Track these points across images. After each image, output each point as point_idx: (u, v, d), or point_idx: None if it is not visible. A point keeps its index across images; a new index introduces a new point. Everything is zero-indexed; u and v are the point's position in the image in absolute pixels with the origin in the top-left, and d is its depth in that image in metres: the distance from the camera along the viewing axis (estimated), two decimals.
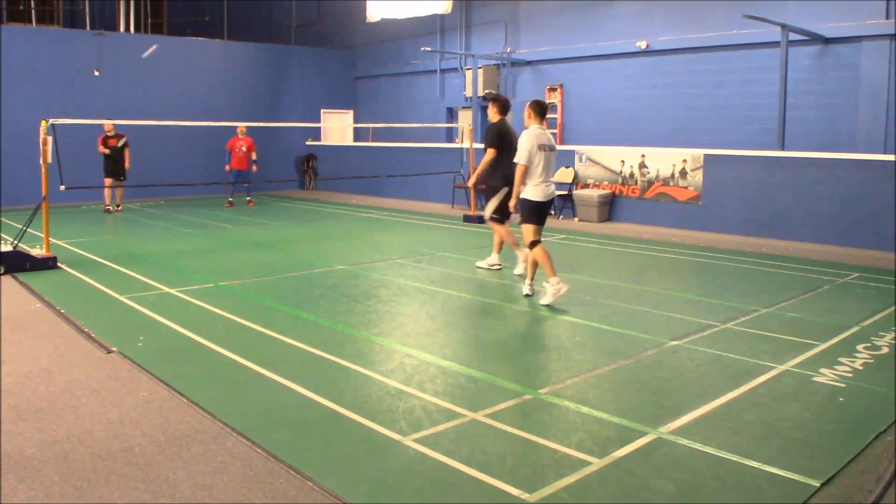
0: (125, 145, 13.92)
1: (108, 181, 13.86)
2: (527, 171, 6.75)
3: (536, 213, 6.90)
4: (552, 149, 6.91)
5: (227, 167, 14.97)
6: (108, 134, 13.82)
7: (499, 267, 8.39)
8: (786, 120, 11.67)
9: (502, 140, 8.02)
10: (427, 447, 3.63)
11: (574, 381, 4.67)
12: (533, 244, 6.83)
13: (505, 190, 7.99)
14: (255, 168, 15.15)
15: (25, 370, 4.82)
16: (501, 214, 8.12)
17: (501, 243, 8.38)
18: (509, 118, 8.57)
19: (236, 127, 14.87)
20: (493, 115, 8.31)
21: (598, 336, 5.93)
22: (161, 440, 3.73)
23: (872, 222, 10.01)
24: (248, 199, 15.55)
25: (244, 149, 14.88)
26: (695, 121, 13.73)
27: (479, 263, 8.56)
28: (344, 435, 3.81)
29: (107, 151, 13.76)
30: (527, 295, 7.00)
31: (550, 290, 6.69)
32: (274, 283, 7.79)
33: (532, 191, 6.84)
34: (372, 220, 13.40)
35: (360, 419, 3.99)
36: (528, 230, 6.87)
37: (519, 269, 8.07)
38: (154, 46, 14.05)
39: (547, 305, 6.66)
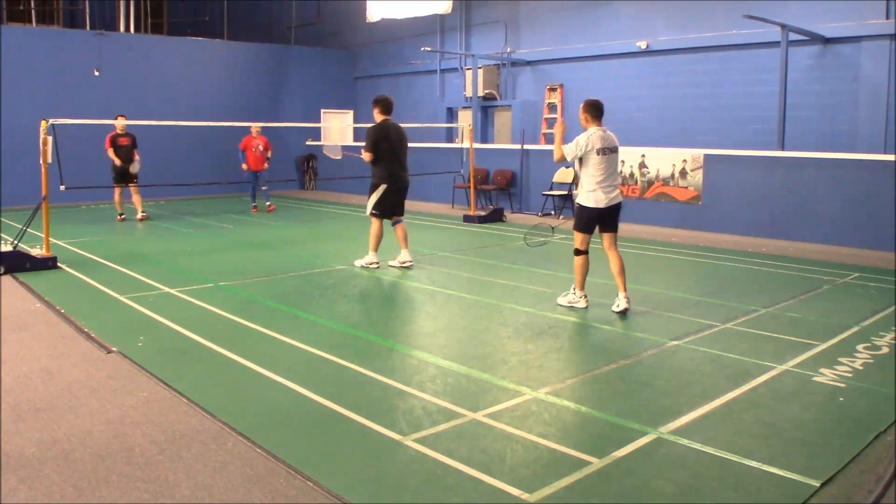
0: (134, 145, 12.88)
1: (118, 186, 12.84)
2: (563, 159, 6.39)
3: (588, 221, 6.39)
4: (613, 150, 6.38)
5: (245, 166, 14.25)
6: (119, 132, 12.78)
7: (377, 265, 8.36)
8: (786, 120, 11.67)
9: (379, 142, 8.13)
10: (427, 447, 3.63)
11: (574, 381, 4.67)
12: (577, 252, 6.47)
13: (384, 187, 8.17)
14: (266, 165, 14.48)
15: (25, 370, 4.82)
16: (381, 211, 8.26)
17: (379, 240, 8.38)
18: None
19: (250, 126, 14.29)
20: (376, 115, 8.35)
21: (598, 336, 5.93)
22: (161, 440, 3.73)
23: (872, 222, 10.01)
24: (268, 203, 14.58)
25: (261, 148, 14.27)
26: (695, 121, 13.73)
27: (357, 262, 8.53)
28: (344, 435, 3.81)
29: (117, 162, 12.62)
30: (624, 309, 6.33)
31: (572, 297, 6.62)
32: (274, 283, 7.79)
33: (587, 196, 6.34)
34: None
35: (360, 419, 3.99)
36: (576, 237, 6.47)
37: (396, 262, 8.38)
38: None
39: (561, 305, 6.65)
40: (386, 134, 8.22)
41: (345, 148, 8.75)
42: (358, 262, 8.51)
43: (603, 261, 6.64)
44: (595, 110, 6.42)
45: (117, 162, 12.67)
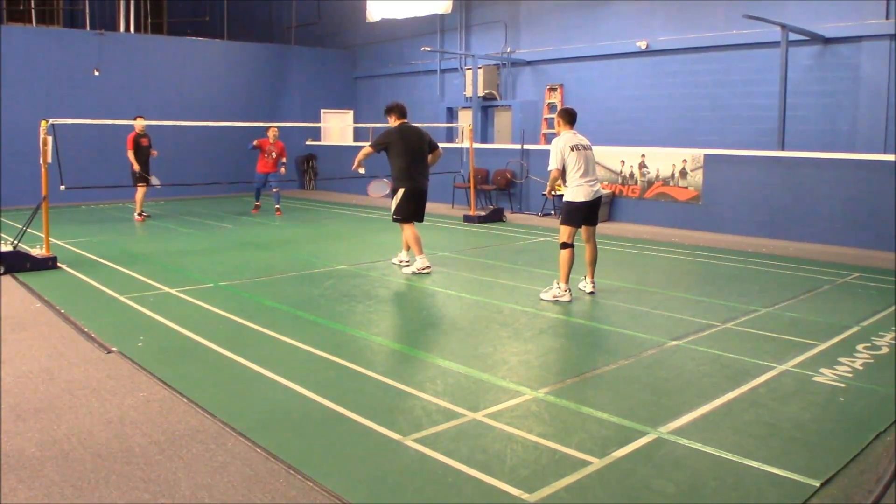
0: (150, 145, 12.90)
1: (141, 187, 12.75)
2: (560, 175, 6.83)
3: (576, 214, 6.87)
4: (587, 147, 6.90)
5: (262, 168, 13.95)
6: (139, 133, 12.66)
7: (428, 270, 8.11)
8: (786, 120, 11.67)
9: (392, 143, 7.99)
10: (427, 447, 3.63)
11: (574, 381, 4.67)
12: (563, 245, 6.83)
13: (402, 191, 8.03)
14: (283, 170, 14.20)
15: (25, 370, 4.82)
16: (401, 215, 8.09)
17: (418, 242, 8.16)
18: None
19: (267, 130, 13.98)
20: (392, 123, 8.25)
21: (598, 336, 5.94)
22: (161, 440, 3.73)
23: (872, 222, 10.01)
24: (276, 207, 14.19)
25: (274, 155, 13.94)
26: (695, 121, 13.74)
27: (405, 270, 8.23)
28: (344, 435, 3.81)
29: (136, 167, 12.54)
30: (591, 292, 7.10)
31: (555, 291, 6.81)
32: (274, 283, 7.79)
33: (573, 192, 6.84)
34: (372, 220, 13.40)
35: (360, 419, 3.99)
36: (563, 231, 6.89)
37: (395, 260, 8.33)
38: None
39: (544, 300, 6.77)
40: (401, 136, 8.03)
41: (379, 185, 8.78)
42: (408, 269, 8.17)
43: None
44: (568, 116, 7.02)
45: (136, 167, 12.58)
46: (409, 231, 8.16)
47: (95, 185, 13.29)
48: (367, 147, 8.23)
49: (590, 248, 7.13)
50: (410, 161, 8.04)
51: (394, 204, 8.12)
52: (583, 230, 7.04)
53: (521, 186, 14.75)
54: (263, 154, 14.00)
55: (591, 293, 7.08)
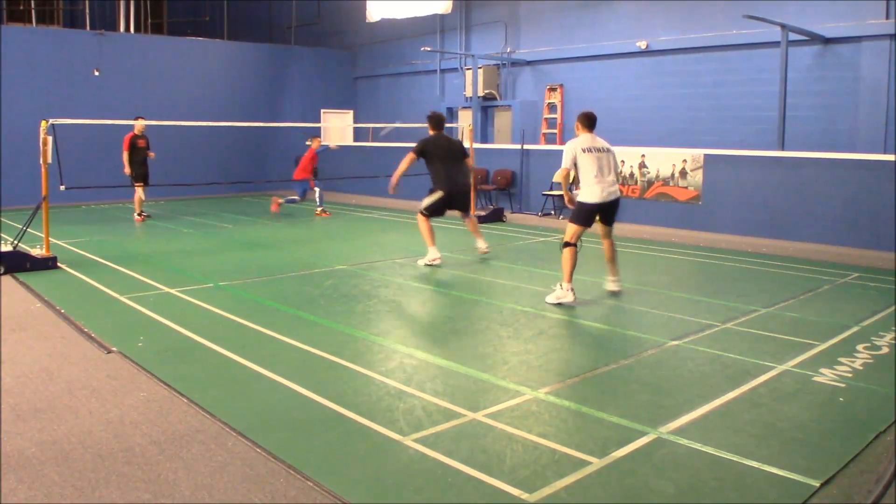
0: (148, 146, 12.88)
1: (139, 187, 12.78)
2: (569, 174, 6.88)
3: (585, 215, 6.86)
4: (603, 150, 6.88)
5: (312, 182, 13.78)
6: (137, 134, 12.65)
7: (439, 260, 8.63)
8: (786, 120, 11.67)
9: (427, 150, 8.68)
10: (427, 447, 3.63)
11: (574, 381, 4.67)
12: (566, 245, 6.82)
13: (440, 193, 8.70)
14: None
15: (25, 370, 4.82)
16: (431, 213, 8.77)
17: (432, 234, 8.73)
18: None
19: (309, 142, 13.77)
20: (429, 131, 8.97)
21: (598, 336, 5.93)
22: (161, 440, 3.73)
23: (872, 222, 10.00)
24: (279, 202, 14.22)
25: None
26: (695, 121, 13.74)
27: (420, 261, 8.74)
28: (344, 435, 3.81)
29: (127, 170, 12.51)
30: (615, 291, 7.15)
31: (558, 292, 6.75)
32: (274, 283, 7.79)
33: (586, 193, 6.85)
34: (372, 220, 13.40)
35: (360, 419, 3.99)
36: (569, 229, 6.88)
37: (423, 261, 8.66)
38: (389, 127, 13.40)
39: (550, 303, 6.72)
40: (435, 144, 8.73)
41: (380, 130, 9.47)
42: (421, 261, 8.69)
43: (599, 257, 6.64)
44: (587, 120, 7.03)
45: (126, 170, 12.60)
46: (425, 225, 8.71)
47: (95, 185, 13.25)
48: (409, 154, 8.65)
49: (606, 245, 7.17)
50: (444, 166, 8.74)
51: (428, 201, 8.76)
52: (599, 228, 7.10)
53: (521, 186, 14.74)
54: (315, 162, 13.89)
55: (616, 292, 7.09)
